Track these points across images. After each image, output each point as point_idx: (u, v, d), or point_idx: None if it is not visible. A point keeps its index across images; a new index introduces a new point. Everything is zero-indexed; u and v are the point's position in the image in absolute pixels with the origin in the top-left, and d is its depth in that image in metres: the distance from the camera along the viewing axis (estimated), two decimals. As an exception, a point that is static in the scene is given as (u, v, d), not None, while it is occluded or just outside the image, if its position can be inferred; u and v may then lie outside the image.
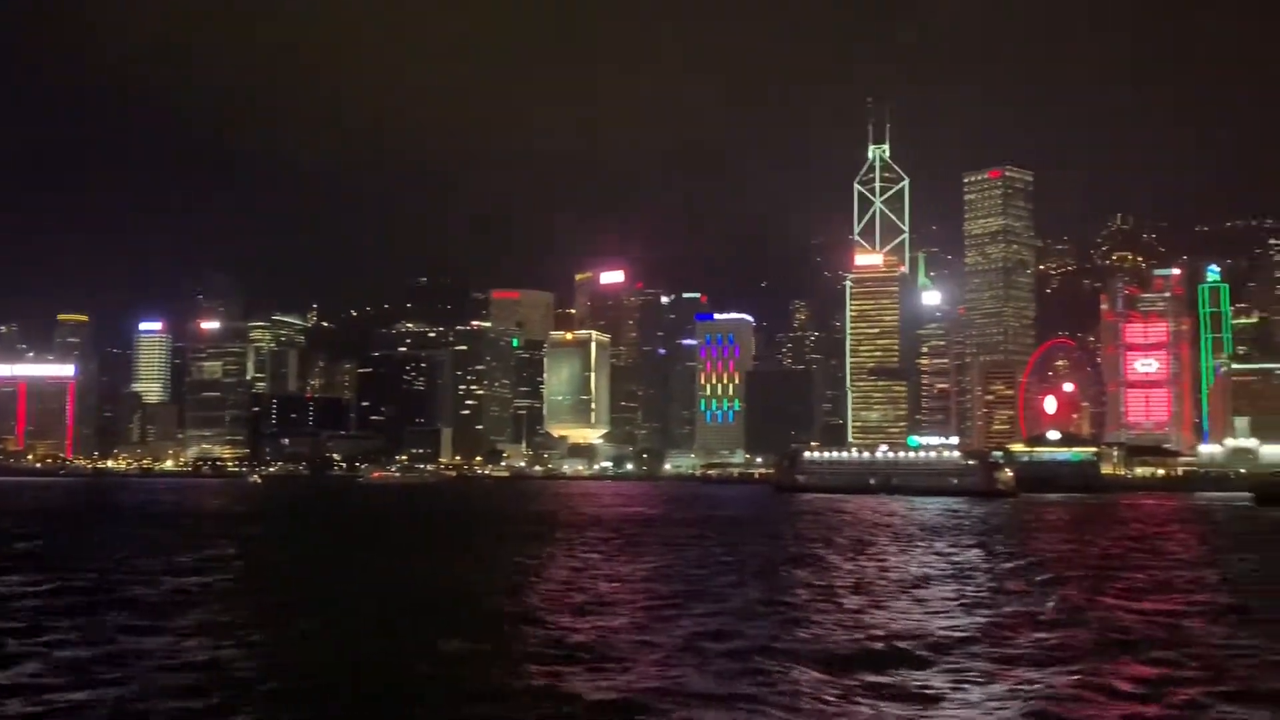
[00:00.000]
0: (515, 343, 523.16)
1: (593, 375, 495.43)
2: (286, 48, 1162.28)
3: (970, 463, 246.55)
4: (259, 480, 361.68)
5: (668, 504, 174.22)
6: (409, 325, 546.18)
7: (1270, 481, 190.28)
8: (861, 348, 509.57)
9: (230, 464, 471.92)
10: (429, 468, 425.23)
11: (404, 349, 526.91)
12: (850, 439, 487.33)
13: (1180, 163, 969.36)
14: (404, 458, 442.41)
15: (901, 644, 36.52)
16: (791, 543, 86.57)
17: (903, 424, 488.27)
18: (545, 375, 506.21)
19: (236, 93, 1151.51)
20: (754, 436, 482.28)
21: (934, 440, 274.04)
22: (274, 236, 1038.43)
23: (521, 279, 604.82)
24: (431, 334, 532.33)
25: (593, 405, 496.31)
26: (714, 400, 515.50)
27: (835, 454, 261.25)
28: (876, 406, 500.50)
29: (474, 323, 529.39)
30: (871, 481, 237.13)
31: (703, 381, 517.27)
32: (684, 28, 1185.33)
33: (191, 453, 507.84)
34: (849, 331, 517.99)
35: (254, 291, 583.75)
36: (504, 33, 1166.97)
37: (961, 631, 40.09)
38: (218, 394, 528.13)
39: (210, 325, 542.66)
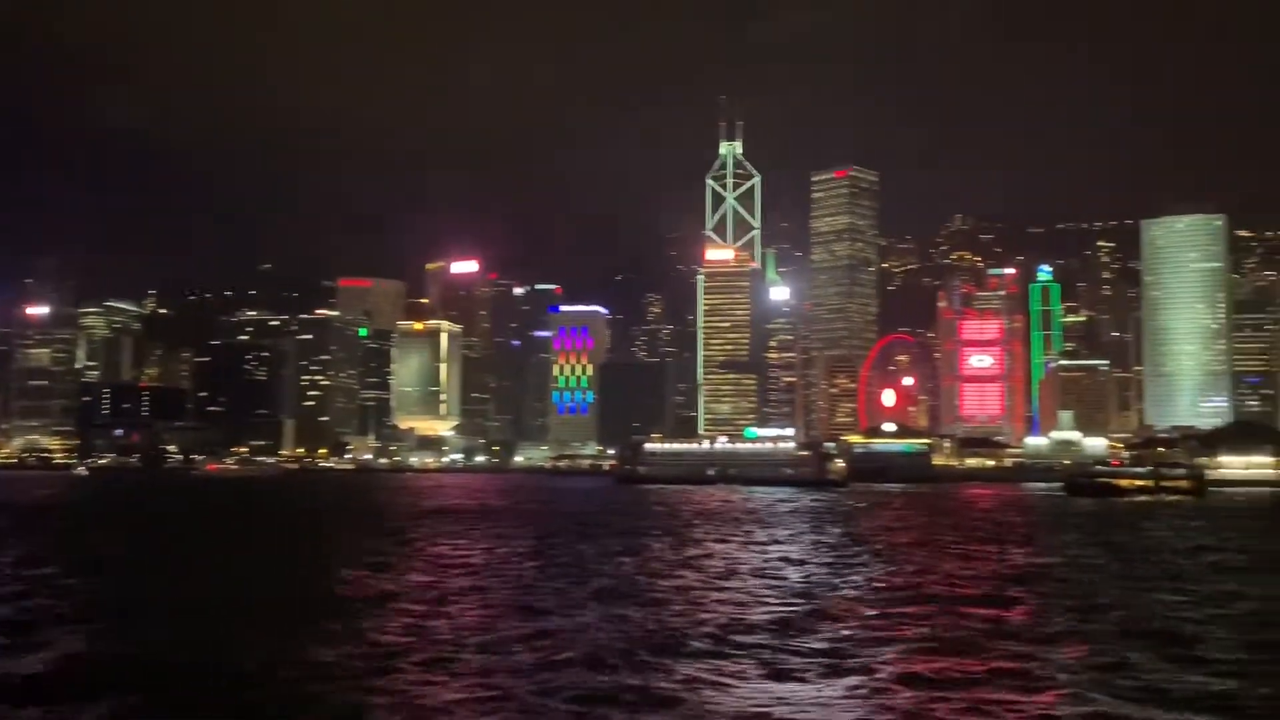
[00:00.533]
0: (363, 332, 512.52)
1: (443, 366, 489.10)
2: (135, 20, 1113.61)
3: (804, 454, 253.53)
4: (86, 472, 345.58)
5: (508, 496, 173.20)
6: (252, 313, 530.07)
7: (1079, 474, 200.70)
8: (713, 341, 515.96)
9: (58, 456, 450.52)
10: (270, 460, 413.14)
11: (246, 337, 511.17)
12: (701, 430, 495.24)
13: (1018, 166, 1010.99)
14: (244, 450, 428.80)
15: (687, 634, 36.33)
16: (605, 532, 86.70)
17: (751, 416, 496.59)
18: (393, 366, 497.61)
19: (68, 66, 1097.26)
20: (607, 428, 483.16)
21: (770, 432, 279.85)
22: (112, 221, 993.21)
23: (372, 268, 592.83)
24: (275, 322, 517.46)
25: (442, 397, 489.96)
26: (567, 392, 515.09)
27: (675, 445, 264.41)
28: (727, 399, 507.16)
29: (320, 311, 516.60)
30: (710, 472, 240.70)
31: (556, 373, 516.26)
32: (543, 18, 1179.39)
33: (17, 444, 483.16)
34: (701, 325, 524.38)
35: (90, 277, 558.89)
36: (367, 17, 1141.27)
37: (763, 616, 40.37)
38: (45, 383, 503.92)
39: (38, 311, 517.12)
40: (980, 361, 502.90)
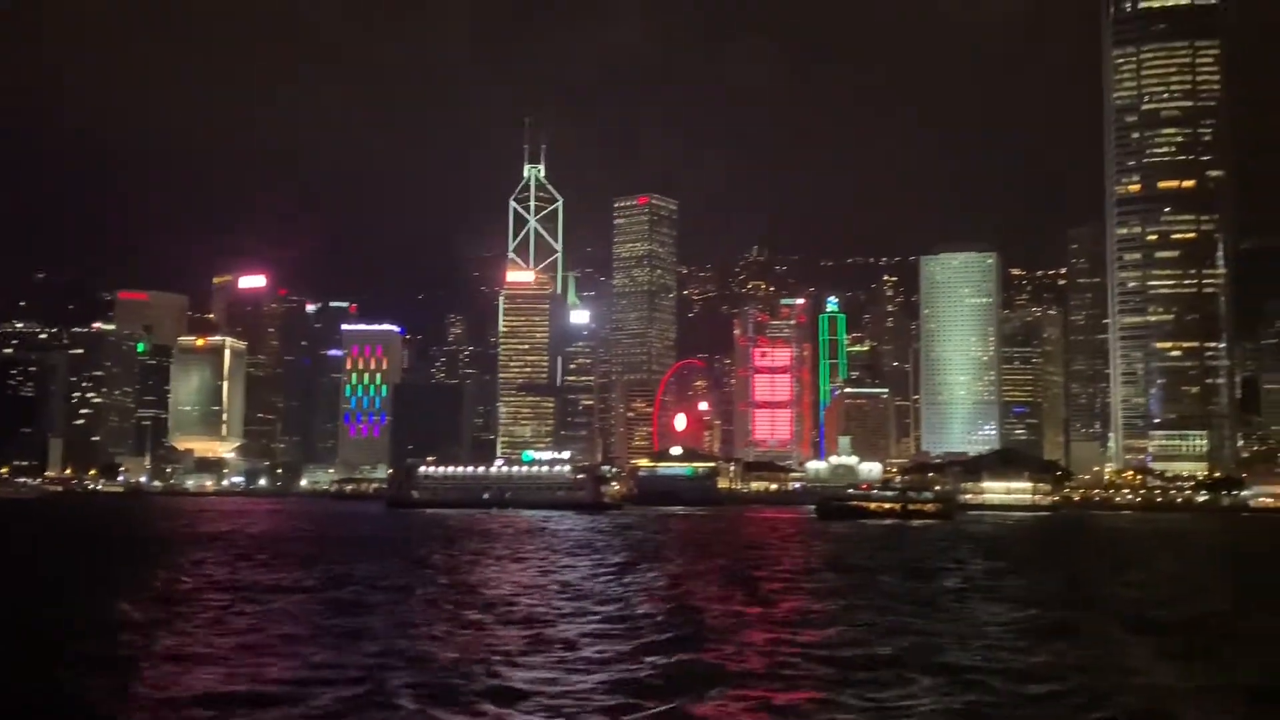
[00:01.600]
0: (141, 348, 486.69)
1: (225, 384, 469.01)
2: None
3: (580, 477, 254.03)
4: None
5: (279, 521, 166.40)
6: (18, 325, 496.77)
7: (829, 498, 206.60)
8: (512, 363, 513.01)
9: None
10: (32, 481, 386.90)
11: (10, 351, 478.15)
12: (499, 454, 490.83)
13: (813, 201, 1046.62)
14: (4, 470, 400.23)
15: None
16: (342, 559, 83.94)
17: (549, 439, 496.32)
18: (172, 384, 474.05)
19: None
20: (400, 451, 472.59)
21: (547, 455, 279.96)
22: None
23: (159, 281, 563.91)
24: (44, 335, 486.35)
25: (225, 416, 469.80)
26: (359, 413, 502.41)
27: (450, 469, 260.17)
28: (525, 422, 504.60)
29: (96, 325, 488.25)
30: (485, 496, 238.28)
31: (347, 393, 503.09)
32: (357, 33, 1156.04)
33: None
34: (501, 347, 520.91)
35: None
36: (162, 16, 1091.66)
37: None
38: None
39: None
40: (772, 388, 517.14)
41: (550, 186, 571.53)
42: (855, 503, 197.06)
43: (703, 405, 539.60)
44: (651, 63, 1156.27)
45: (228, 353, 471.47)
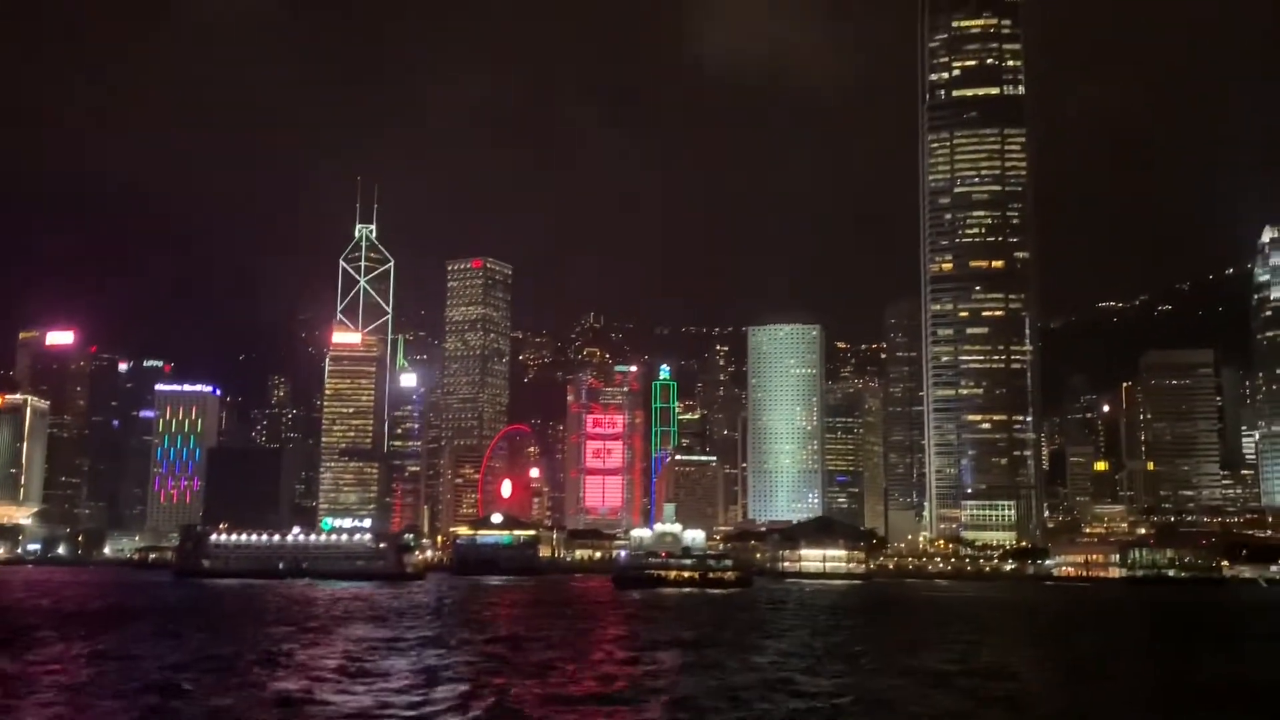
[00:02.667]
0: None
1: (25, 445, 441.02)
2: None
3: (380, 546, 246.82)
4: None
5: (30, 592, 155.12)
6: None
7: (628, 566, 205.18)
8: (336, 427, 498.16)
9: None
10: None
11: None
12: (320, 521, 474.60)
13: (647, 269, 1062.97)
14: None
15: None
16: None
17: (372, 506, 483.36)
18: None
19: None
20: (214, 518, 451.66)
21: (347, 523, 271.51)
22: None
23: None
24: None
25: (23, 480, 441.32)
26: (170, 478, 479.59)
27: (243, 537, 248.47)
28: (349, 488, 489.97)
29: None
30: (280, 565, 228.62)
31: (159, 457, 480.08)
32: (187, 79, 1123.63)
33: None
34: (325, 410, 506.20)
35: None
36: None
37: None
38: None
39: None
40: (604, 454, 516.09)
41: (382, 247, 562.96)
42: (653, 571, 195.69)
43: (533, 472, 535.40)
44: (488, 121, 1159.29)
45: (29, 412, 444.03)
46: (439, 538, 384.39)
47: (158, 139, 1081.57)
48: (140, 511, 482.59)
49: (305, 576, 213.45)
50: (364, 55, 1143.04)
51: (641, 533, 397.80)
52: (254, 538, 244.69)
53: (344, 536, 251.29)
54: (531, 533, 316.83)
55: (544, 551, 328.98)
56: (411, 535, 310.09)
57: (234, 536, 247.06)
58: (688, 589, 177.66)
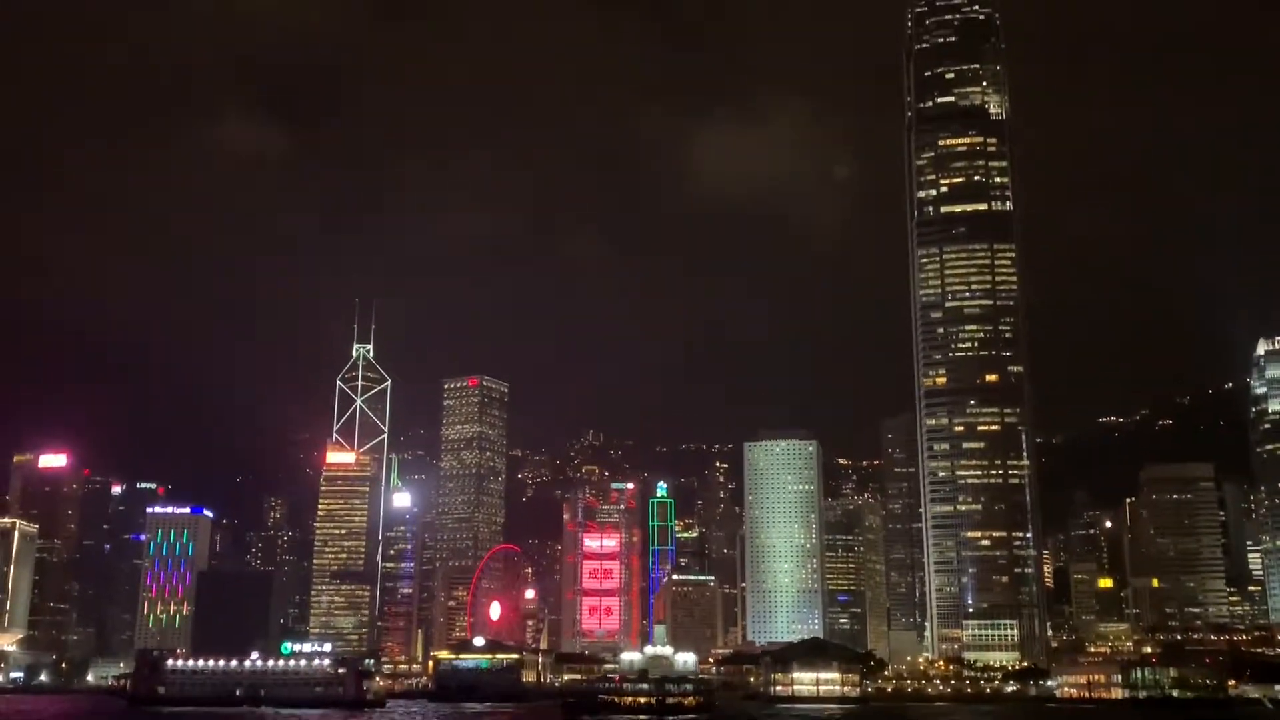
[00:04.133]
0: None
1: (11, 570, 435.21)
2: None
3: (340, 671, 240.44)
4: None
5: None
6: None
7: (580, 691, 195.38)
8: (328, 549, 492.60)
9: None
10: None
11: None
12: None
13: (645, 387, 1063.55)
14: None
15: None
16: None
17: (364, 630, 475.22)
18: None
19: None
20: (203, 642, 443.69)
21: (307, 647, 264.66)
22: None
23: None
24: None
25: (7, 606, 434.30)
26: (159, 602, 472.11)
27: (200, 662, 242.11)
28: (340, 611, 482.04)
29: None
30: (238, 692, 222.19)
31: (148, 581, 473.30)
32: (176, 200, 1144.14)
33: None
34: (317, 531, 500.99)
35: None
36: None
37: None
38: None
39: None
40: (600, 575, 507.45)
41: (379, 366, 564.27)
42: (606, 697, 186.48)
43: (528, 593, 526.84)
44: (488, 246, 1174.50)
45: (16, 536, 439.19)
46: (429, 663, 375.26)
47: (156, 264, 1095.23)
48: (129, 637, 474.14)
49: (262, 704, 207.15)
50: (366, 186, 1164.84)
51: (632, 656, 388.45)
52: (211, 663, 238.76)
53: (303, 662, 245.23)
54: (514, 656, 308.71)
55: (529, 676, 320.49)
56: (372, 660, 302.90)
57: (190, 662, 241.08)
58: (644, 716, 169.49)
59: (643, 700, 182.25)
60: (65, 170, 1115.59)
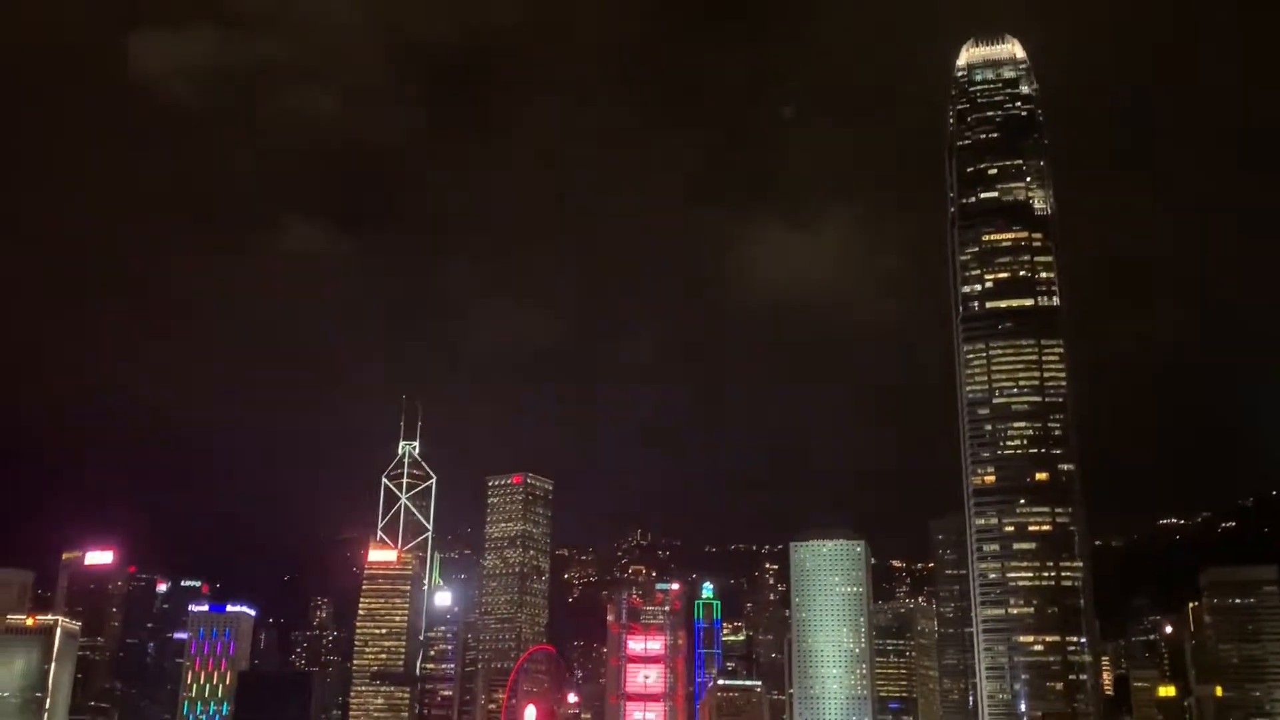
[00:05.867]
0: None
1: (52, 668, 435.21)
2: None
3: None
4: None
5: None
6: None
7: None
8: (368, 649, 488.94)
9: None
10: None
11: None
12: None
13: (694, 486, 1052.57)
14: None
15: None
16: None
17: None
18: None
19: None
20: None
21: None
22: None
23: (4, 556, 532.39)
24: None
25: (47, 704, 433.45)
26: (199, 701, 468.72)
27: None
28: (379, 714, 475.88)
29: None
30: None
31: (189, 680, 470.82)
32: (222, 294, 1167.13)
33: None
34: (357, 631, 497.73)
35: None
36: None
37: None
38: None
39: None
40: (645, 678, 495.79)
41: (424, 463, 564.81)
42: None
43: (571, 696, 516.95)
44: (533, 345, 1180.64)
45: (59, 634, 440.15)
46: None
47: (199, 362, 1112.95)
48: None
49: None
50: (413, 286, 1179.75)
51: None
52: None
53: None
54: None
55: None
56: None
57: None
58: None
59: None
60: (109, 274, 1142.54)
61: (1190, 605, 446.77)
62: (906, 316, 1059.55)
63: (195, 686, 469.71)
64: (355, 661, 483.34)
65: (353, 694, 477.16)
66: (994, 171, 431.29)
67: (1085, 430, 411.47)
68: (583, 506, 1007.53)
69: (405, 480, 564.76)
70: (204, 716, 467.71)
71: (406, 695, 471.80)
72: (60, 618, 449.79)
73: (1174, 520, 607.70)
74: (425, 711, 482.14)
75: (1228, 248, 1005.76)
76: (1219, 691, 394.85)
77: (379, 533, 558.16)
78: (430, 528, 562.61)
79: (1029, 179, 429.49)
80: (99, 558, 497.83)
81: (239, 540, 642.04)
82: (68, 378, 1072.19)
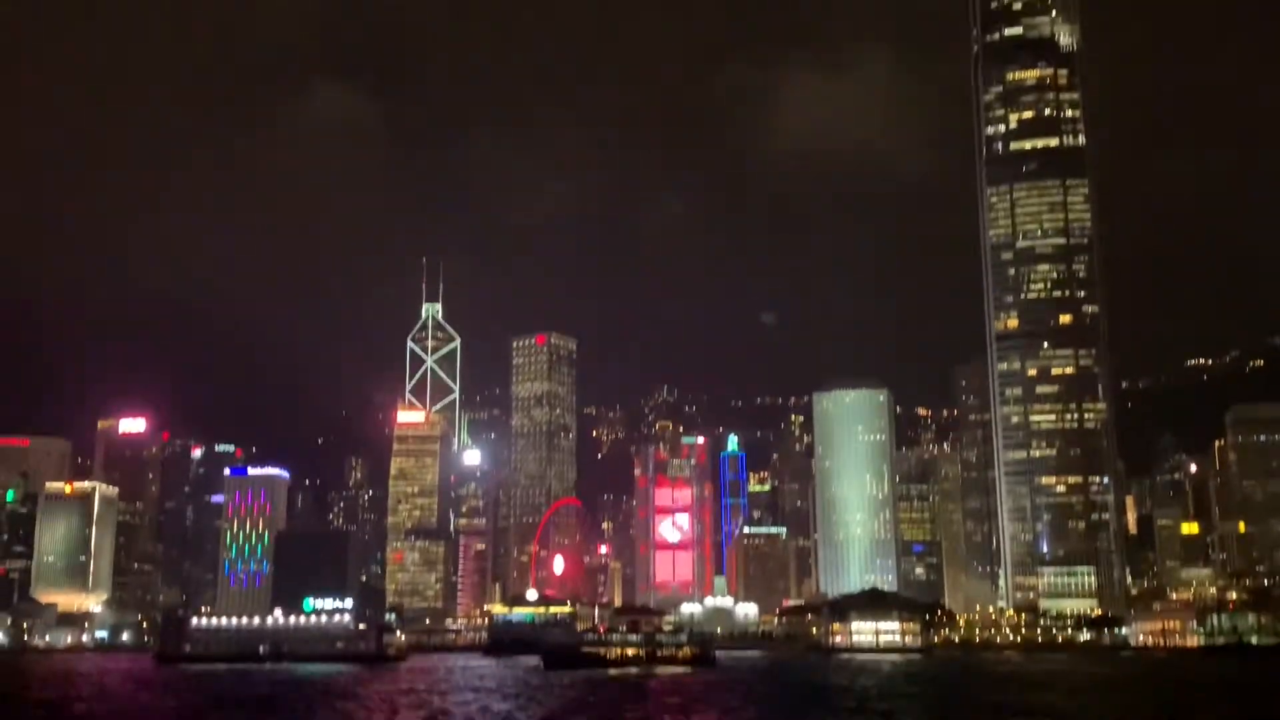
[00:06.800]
0: (10, 496, 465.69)
1: (93, 532, 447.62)
2: None
3: (361, 627, 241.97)
4: None
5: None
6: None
7: (560, 643, 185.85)
8: (401, 506, 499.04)
9: None
10: None
11: None
12: (389, 602, 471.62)
13: (721, 340, 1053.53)
14: None
15: None
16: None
17: (440, 585, 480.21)
18: (38, 533, 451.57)
19: None
20: (284, 601, 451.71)
21: (329, 604, 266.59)
22: None
23: (40, 424, 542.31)
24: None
25: (91, 567, 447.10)
26: (239, 561, 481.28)
27: (223, 620, 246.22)
28: (414, 568, 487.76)
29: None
30: (262, 649, 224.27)
31: (229, 541, 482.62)
32: (249, 157, 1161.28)
33: None
34: (390, 490, 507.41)
35: None
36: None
37: None
38: None
39: None
40: (673, 529, 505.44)
41: (448, 326, 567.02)
42: (590, 649, 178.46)
43: (602, 548, 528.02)
44: (562, 205, 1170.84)
45: (97, 499, 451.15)
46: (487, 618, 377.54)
47: (236, 231, 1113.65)
48: (212, 597, 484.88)
49: (284, 660, 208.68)
50: (440, 149, 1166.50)
51: (692, 608, 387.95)
52: (234, 621, 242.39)
53: (324, 618, 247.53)
54: (567, 609, 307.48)
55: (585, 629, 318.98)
56: (394, 615, 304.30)
57: (215, 620, 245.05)
58: (632, 669, 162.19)
59: (630, 652, 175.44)
60: (147, 145, 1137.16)
61: (1216, 444, 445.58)
62: (933, 164, 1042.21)
63: (234, 547, 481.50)
64: (390, 519, 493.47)
65: (389, 550, 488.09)
66: (1018, 6, 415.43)
67: (1113, 272, 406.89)
68: (610, 366, 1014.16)
69: (430, 343, 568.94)
70: (245, 575, 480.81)
71: (441, 549, 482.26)
72: (98, 484, 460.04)
73: (1202, 361, 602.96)
74: (460, 565, 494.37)
75: (1269, 86, 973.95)
76: (1242, 528, 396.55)
77: (407, 395, 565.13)
78: (457, 389, 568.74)
79: (1054, 13, 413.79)
80: (132, 425, 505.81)
81: (272, 406, 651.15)
82: (100, 251, 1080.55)
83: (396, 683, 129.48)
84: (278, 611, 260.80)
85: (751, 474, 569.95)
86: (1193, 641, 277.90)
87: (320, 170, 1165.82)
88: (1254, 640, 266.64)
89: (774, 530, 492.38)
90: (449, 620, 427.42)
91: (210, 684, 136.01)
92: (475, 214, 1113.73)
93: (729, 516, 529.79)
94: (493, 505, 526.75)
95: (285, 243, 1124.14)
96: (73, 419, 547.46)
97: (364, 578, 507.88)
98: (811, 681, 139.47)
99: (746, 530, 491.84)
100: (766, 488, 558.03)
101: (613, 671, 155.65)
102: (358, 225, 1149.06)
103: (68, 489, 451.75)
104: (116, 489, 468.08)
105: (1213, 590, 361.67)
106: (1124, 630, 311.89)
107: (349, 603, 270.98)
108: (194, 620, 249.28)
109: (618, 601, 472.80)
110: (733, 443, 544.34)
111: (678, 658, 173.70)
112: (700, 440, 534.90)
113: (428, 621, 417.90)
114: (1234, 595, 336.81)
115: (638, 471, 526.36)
